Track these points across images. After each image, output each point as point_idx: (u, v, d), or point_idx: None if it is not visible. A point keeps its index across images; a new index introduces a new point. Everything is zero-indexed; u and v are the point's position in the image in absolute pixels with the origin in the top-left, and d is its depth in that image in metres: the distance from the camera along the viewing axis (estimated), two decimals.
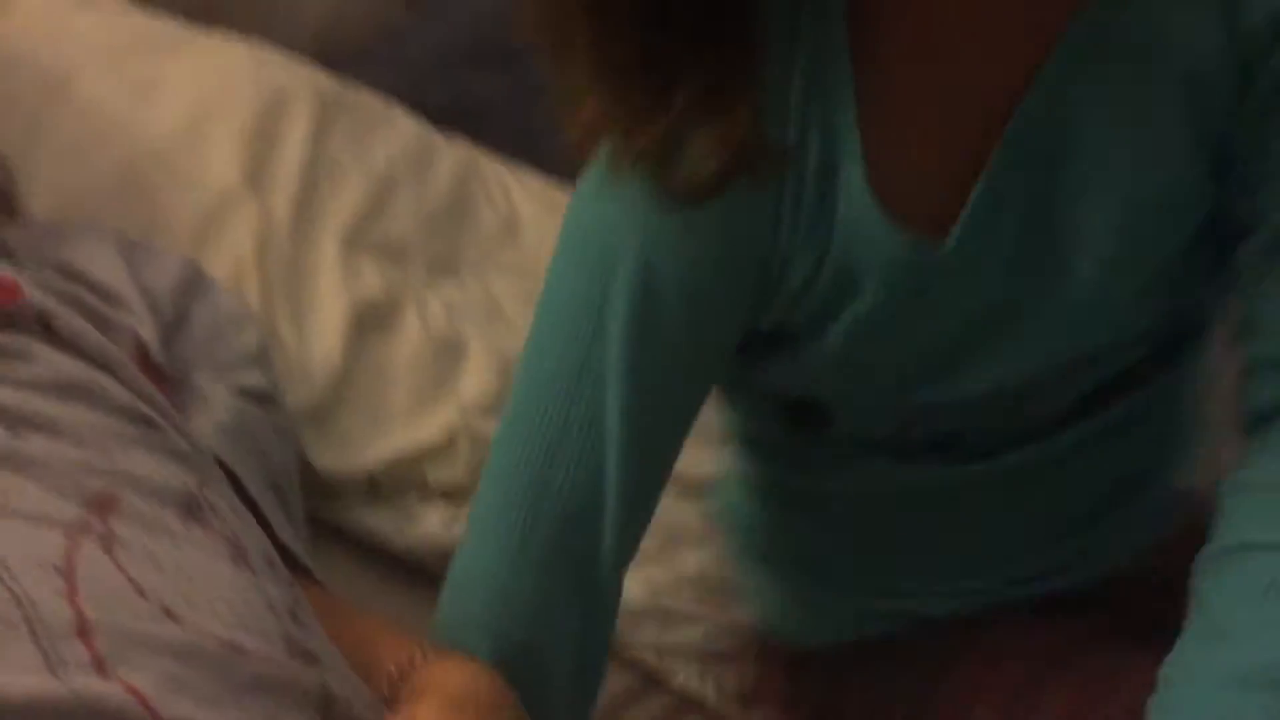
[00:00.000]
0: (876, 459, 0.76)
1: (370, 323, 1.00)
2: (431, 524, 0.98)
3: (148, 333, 0.82)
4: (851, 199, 0.62)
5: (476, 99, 1.35)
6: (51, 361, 0.68)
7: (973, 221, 0.63)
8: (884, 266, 0.63)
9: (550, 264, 0.66)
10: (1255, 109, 0.61)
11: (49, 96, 0.95)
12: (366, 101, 1.15)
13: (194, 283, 0.89)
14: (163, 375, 0.83)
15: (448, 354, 1.02)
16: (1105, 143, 0.62)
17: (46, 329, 0.71)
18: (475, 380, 1.02)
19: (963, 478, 0.77)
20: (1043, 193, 0.63)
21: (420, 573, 0.96)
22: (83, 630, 0.52)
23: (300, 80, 1.08)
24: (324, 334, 0.98)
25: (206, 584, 0.57)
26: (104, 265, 0.84)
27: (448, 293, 1.07)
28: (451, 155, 1.21)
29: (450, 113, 1.32)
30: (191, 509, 0.61)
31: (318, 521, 0.94)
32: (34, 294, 0.72)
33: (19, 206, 0.89)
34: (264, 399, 0.87)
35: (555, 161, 1.37)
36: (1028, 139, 0.62)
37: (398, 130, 1.16)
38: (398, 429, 0.99)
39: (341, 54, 1.39)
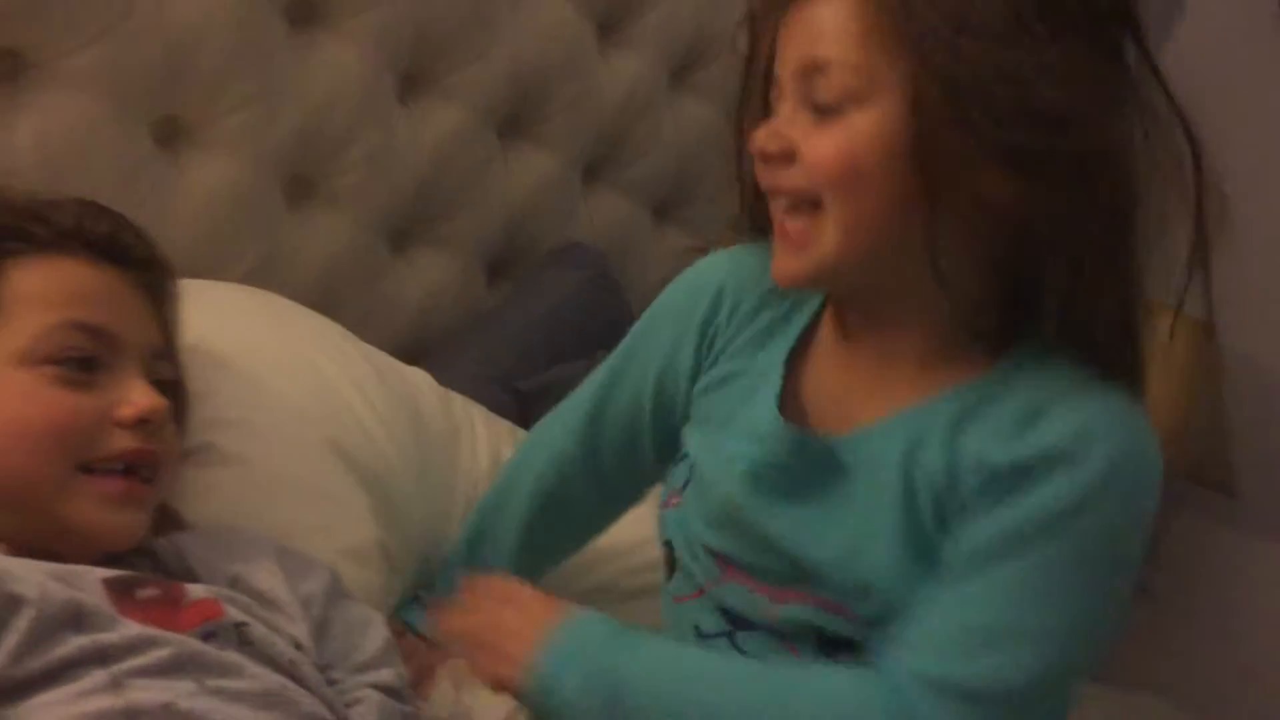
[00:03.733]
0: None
1: None
2: None
3: (302, 635, 0.91)
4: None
5: (559, 381, 1.45)
6: (255, 675, 0.80)
7: None
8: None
9: None
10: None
11: None
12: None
13: (335, 590, 0.98)
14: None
15: None
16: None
17: (241, 639, 0.82)
18: None
19: None
20: None
21: None
22: None
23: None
24: None
25: None
26: (264, 575, 0.93)
27: None
28: None
29: (534, 394, 1.42)
30: None
31: None
32: (229, 610, 0.82)
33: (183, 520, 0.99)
34: (396, 694, 0.95)
35: None
36: None
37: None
38: None
39: (433, 337, 1.50)
